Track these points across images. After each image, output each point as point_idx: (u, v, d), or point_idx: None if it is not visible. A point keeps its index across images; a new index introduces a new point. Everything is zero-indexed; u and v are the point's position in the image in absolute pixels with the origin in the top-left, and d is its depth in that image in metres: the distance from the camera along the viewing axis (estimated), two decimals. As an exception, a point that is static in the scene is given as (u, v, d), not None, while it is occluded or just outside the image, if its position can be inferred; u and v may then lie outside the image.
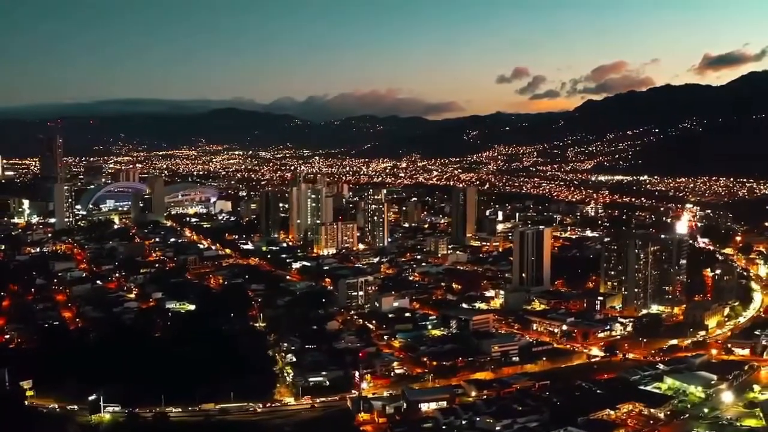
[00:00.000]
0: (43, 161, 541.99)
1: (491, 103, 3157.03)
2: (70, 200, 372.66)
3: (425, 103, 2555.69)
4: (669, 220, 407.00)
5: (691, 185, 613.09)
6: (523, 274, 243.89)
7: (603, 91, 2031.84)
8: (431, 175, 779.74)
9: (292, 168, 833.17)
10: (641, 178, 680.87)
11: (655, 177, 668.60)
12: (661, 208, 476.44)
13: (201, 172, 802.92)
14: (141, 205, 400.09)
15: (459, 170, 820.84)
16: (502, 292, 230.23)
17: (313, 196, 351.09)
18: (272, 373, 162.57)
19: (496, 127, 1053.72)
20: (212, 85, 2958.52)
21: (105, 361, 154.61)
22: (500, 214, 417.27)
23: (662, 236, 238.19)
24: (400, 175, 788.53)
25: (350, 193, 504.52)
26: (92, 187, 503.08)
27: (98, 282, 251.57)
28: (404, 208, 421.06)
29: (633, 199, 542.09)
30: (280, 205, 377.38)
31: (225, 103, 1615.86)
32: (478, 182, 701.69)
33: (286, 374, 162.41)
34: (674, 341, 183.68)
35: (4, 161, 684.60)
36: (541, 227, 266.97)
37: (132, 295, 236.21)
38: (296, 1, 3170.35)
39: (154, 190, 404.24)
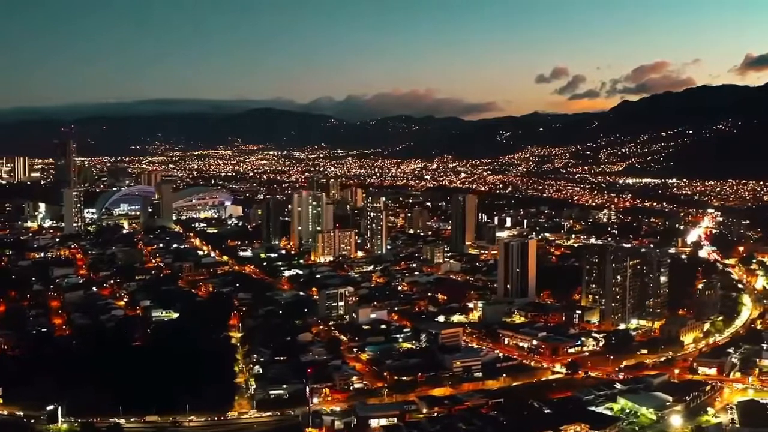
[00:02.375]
0: (57, 165, 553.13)
1: (530, 104, 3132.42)
2: (79, 205, 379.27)
3: (465, 103, 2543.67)
4: (682, 227, 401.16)
5: (718, 189, 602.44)
6: (508, 286, 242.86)
7: (643, 92, 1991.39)
8: (458, 177, 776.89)
9: (321, 170, 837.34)
10: (670, 181, 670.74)
11: (684, 180, 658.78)
12: (681, 213, 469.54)
13: (230, 173, 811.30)
14: (150, 210, 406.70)
15: (489, 172, 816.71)
16: (480, 304, 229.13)
17: (314, 203, 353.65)
18: (233, 385, 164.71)
19: (531, 127, 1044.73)
20: (253, 84, 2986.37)
21: (77, 369, 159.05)
22: (509, 220, 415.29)
23: (642, 249, 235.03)
24: (426, 177, 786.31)
25: (367, 198, 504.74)
26: (114, 189, 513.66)
27: (94, 288, 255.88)
28: (409, 215, 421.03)
29: (655, 204, 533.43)
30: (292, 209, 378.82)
31: (264, 103, 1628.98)
32: (501, 185, 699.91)
33: (250, 386, 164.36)
34: (642, 359, 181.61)
35: (40, 162, 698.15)
36: (526, 238, 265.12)
37: (122, 303, 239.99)
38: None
39: (163, 194, 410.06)
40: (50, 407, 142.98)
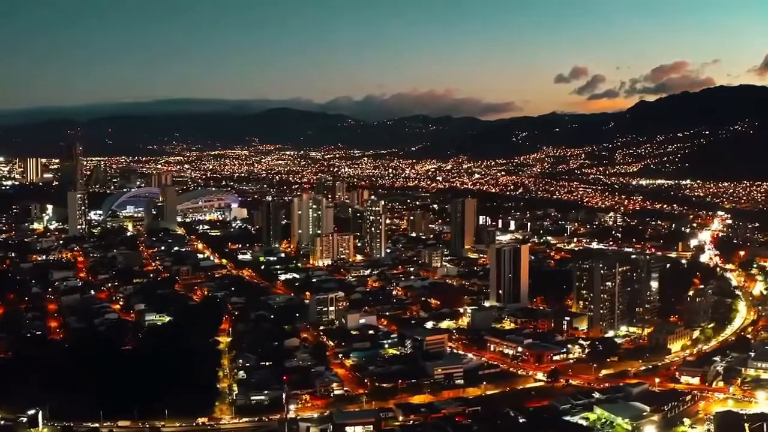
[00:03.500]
0: (64, 167, 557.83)
1: (549, 104, 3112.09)
2: (83, 207, 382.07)
3: (483, 103, 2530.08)
4: (688, 230, 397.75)
5: (731, 191, 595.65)
6: (500, 291, 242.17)
7: (662, 92, 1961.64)
8: (472, 178, 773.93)
9: (336, 170, 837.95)
10: (683, 182, 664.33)
11: (698, 181, 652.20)
12: (690, 216, 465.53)
13: (243, 174, 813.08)
14: (154, 212, 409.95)
15: (503, 173, 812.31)
16: (469, 309, 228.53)
17: (314, 206, 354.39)
18: (215, 390, 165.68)
19: (548, 127, 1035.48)
20: (272, 84, 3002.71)
21: (65, 373, 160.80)
22: (513, 222, 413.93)
23: (632, 256, 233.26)
24: (438, 178, 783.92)
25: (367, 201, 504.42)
26: (124, 190, 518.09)
27: (92, 292, 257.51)
28: (411, 218, 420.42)
29: (665, 206, 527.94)
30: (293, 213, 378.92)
31: (283, 103, 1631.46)
32: (513, 186, 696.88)
33: (233, 392, 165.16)
34: (626, 367, 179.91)
35: (56, 162, 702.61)
36: (519, 243, 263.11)
37: (117, 306, 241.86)
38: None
39: (167, 197, 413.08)
40: (31, 411, 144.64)
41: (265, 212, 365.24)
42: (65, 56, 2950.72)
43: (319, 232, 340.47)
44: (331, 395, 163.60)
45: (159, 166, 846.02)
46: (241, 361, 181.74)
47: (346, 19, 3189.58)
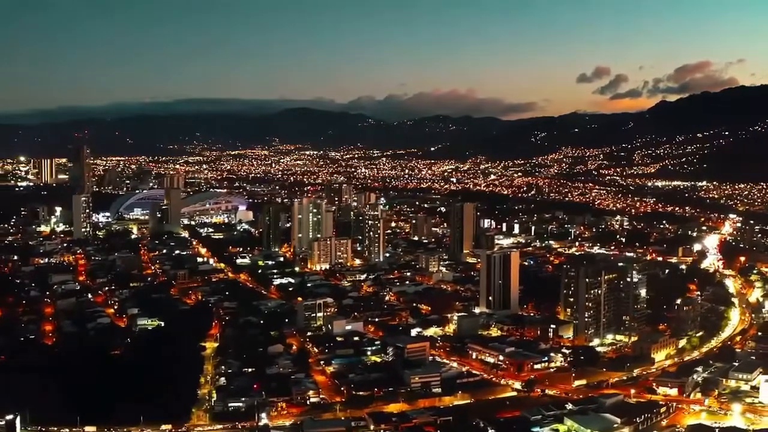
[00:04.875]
0: (71, 170, 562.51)
1: (571, 103, 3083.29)
2: (87, 210, 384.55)
3: (505, 103, 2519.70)
4: (695, 234, 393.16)
5: (746, 192, 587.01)
6: (490, 297, 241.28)
7: (685, 91, 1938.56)
8: (487, 180, 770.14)
9: (353, 171, 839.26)
10: (699, 184, 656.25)
11: (714, 183, 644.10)
12: (701, 219, 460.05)
13: (259, 175, 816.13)
14: (159, 215, 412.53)
15: (519, 174, 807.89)
16: (456, 316, 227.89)
17: (314, 210, 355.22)
18: (194, 396, 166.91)
19: (567, 128, 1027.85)
20: (294, 84, 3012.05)
21: (53, 377, 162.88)
22: (517, 226, 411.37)
23: (619, 263, 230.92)
24: (452, 180, 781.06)
25: (383, 201, 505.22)
26: (136, 192, 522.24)
27: (89, 296, 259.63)
28: (413, 221, 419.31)
29: (677, 208, 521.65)
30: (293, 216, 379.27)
31: (305, 103, 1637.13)
32: (526, 188, 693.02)
33: (212, 398, 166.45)
34: (607, 376, 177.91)
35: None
36: (509, 251, 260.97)
37: (111, 311, 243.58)
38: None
39: (171, 200, 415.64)
40: (9, 416, 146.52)
41: (265, 215, 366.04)
42: (86, 56, 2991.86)
43: (318, 236, 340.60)
44: (307, 403, 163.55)
45: (177, 166, 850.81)
46: (223, 367, 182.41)
47: (369, 18, 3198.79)
